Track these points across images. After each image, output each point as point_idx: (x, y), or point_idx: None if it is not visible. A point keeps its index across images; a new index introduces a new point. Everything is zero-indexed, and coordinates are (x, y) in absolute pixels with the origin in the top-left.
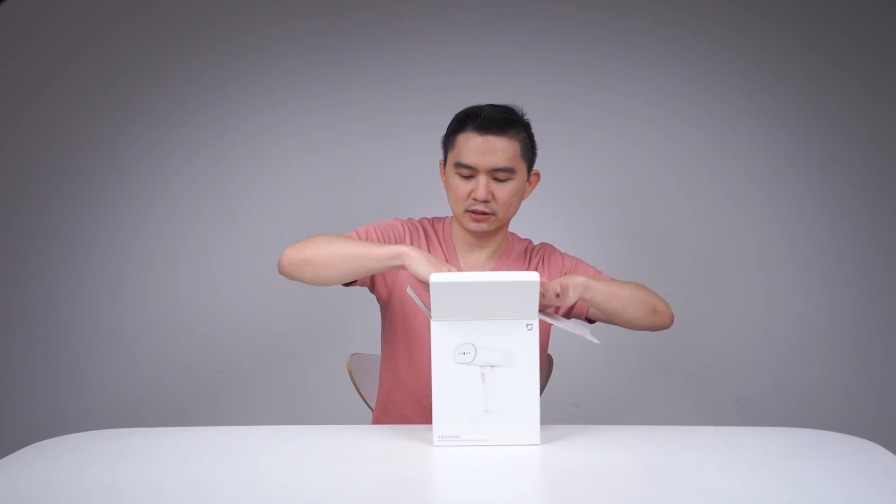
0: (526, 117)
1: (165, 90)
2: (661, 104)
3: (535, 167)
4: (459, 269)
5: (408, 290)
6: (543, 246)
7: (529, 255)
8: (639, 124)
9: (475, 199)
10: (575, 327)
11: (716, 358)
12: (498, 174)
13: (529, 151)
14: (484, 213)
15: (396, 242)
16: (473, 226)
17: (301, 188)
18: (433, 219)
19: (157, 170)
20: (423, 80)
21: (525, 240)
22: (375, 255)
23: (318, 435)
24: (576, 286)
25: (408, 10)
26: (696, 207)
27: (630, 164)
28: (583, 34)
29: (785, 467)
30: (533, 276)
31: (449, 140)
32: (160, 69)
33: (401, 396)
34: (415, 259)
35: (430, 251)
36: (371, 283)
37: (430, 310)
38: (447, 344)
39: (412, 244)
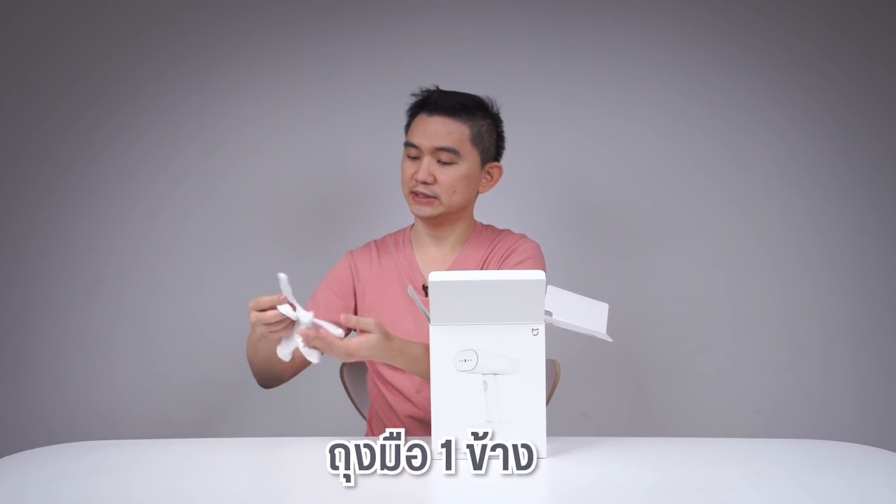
0: (496, 109)
1: (146, 78)
2: (676, 90)
3: (504, 163)
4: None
5: (408, 290)
6: (511, 235)
7: (494, 245)
8: (652, 112)
9: (417, 181)
10: (585, 325)
11: (733, 366)
12: (441, 155)
13: (486, 141)
14: (426, 196)
15: (345, 292)
16: (416, 209)
17: (293, 184)
18: (398, 230)
19: (138, 164)
20: (422, 63)
21: (502, 230)
22: (254, 338)
23: (309, 447)
24: (368, 350)
25: None
26: (712, 203)
27: (641, 156)
28: (592, 13)
29: (808, 481)
30: (538, 276)
31: (407, 126)
32: (140, 56)
33: (383, 409)
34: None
35: (381, 266)
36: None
37: (429, 312)
38: (447, 350)
39: (358, 277)
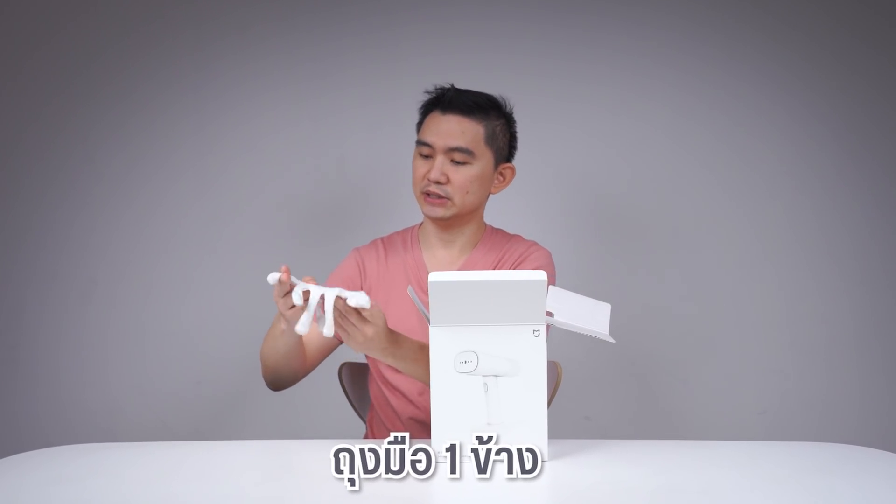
0: (509, 109)
1: (141, 76)
2: (678, 88)
3: (515, 163)
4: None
5: (408, 291)
6: (523, 242)
7: (505, 251)
8: (654, 110)
9: (429, 180)
10: (587, 326)
11: (737, 367)
12: (455, 155)
13: (500, 141)
14: (439, 197)
15: (352, 287)
16: (428, 210)
17: (290, 183)
18: (406, 228)
19: (133, 163)
20: (422, 61)
21: (512, 236)
22: (276, 331)
23: (311, 450)
24: (375, 328)
25: None
26: (716, 203)
27: (644, 154)
28: (594, 9)
29: (813, 484)
30: (540, 276)
31: (419, 123)
32: (135, 53)
33: (384, 411)
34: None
35: (387, 265)
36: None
37: (429, 313)
38: (447, 352)
39: (365, 274)
